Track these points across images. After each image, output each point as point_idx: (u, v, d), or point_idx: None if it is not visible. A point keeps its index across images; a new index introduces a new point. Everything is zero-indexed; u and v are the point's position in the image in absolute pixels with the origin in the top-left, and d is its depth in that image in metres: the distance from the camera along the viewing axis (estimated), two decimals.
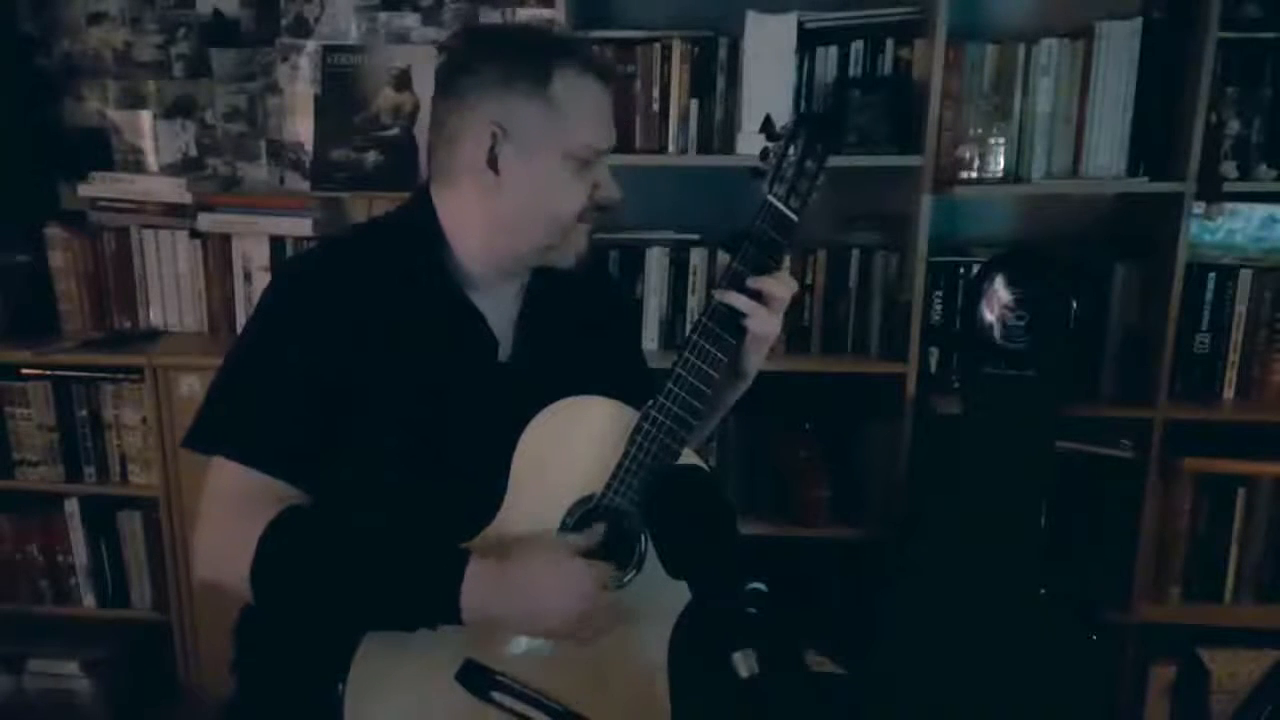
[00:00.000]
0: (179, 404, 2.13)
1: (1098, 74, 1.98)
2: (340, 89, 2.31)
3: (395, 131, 2.30)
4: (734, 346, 1.16)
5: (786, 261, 1.41)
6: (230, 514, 1.10)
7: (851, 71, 2.06)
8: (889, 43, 2.05)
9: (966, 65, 2.02)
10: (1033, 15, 2.14)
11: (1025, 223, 2.24)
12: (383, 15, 2.32)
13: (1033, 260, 1.91)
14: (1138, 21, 1.96)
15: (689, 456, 1.15)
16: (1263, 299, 2.06)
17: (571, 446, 1.13)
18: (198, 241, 2.30)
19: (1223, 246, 2.08)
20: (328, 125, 2.33)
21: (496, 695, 1.08)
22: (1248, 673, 2.05)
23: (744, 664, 0.90)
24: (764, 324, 1.16)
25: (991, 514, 1.88)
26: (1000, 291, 1.88)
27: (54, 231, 2.31)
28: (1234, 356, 2.08)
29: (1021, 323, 1.87)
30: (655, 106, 2.09)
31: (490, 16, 2.29)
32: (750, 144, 1.98)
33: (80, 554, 2.30)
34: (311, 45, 2.33)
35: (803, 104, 2.06)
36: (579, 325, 1.25)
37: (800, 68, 2.04)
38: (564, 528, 1.13)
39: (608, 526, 1.12)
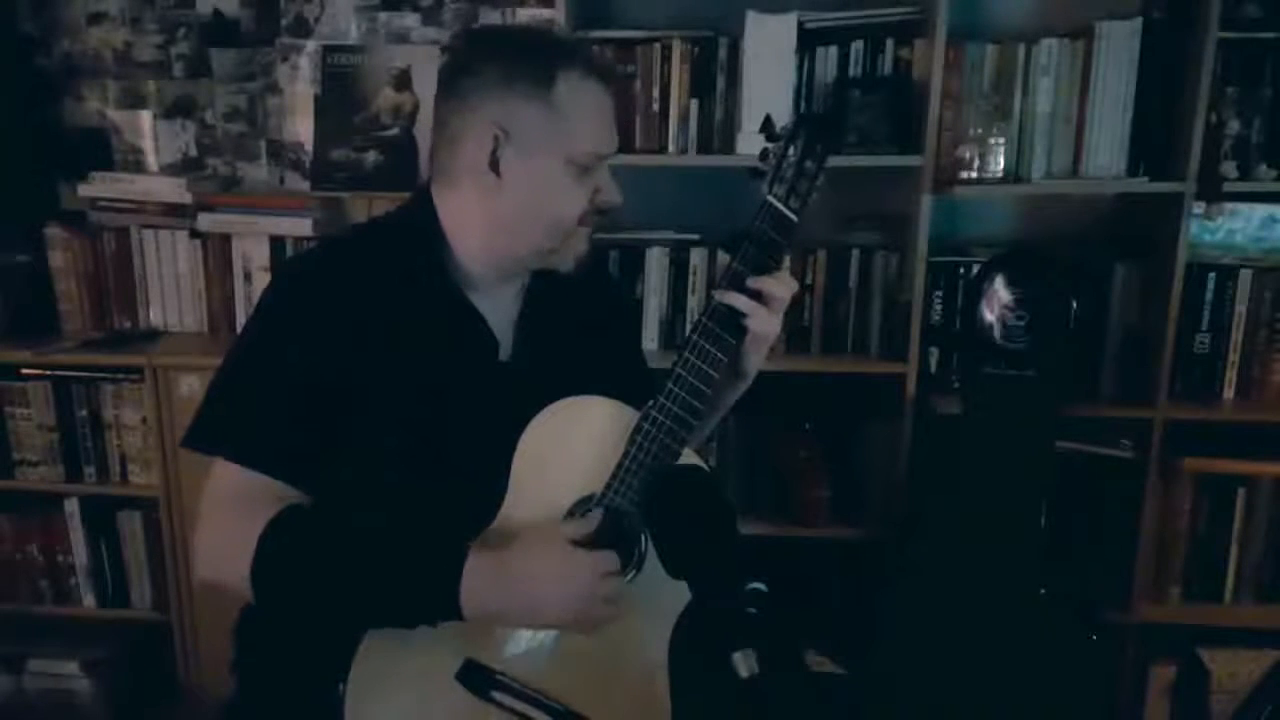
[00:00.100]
0: (179, 404, 2.13)
1: (1098, 74, 1.98)
2: (340, 89, 2.31)
3: (395, 131, 2.30)
4: (734, 346, 1.16)
5: (786, 261, 1.41)
6: (230, 514, 1.10)
7: (851, 71, 2.06)
8: (889, 43, 2.05)
9: (966, 65, 2.02)
10: (1033, 15, 2.14)
11: (1025, 223, 2.24)
12: (383, 15, 2.32)
13: (1033, 260, 1.91)
14: (1138, 21, 1.96)
15: (689, 456, 1.15)
16: (1263, 299, 2.06)
17: (572, 446, 1.14)
18: (198, 241, 2.30)
19: (1223, 246, 2.08)
20: (328, 125, 2.33)
21: (497, 695, 1.08)
22: (1248, 673, 2.05)
23: (744, 664, 0.90)
24: (764, 324, 1.16)
25: (991, 514, 1.88)
26: (1000, 291, 1.88)
27: (54, 231, 2.31)
28: (1234, 356, 2.08)
29: (1021, 323, 1.87)
30: (655, 106, 2.09)
31: (490, 16, 2.29)
32: (750, 144, 1.98)
33: (80, 554, 2.30)
34: (311, 45, 2.34)
35: (803, 104, 2.06)
36: (579, 325, 1.25)
37: (800, 68, 2.04)
38: None
39: (609, 523, 1.12)
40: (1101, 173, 2.02)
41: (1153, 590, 2.12)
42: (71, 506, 2.28)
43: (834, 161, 1.18)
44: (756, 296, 1.15)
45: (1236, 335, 2.07)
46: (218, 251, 2.30)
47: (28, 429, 2.24)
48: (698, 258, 2.16)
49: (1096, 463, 2.06)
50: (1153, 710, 2.17)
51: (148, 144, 2.42)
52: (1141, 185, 2.00)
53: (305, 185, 2.37)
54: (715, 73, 2.08)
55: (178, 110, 2.40)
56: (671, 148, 2.10)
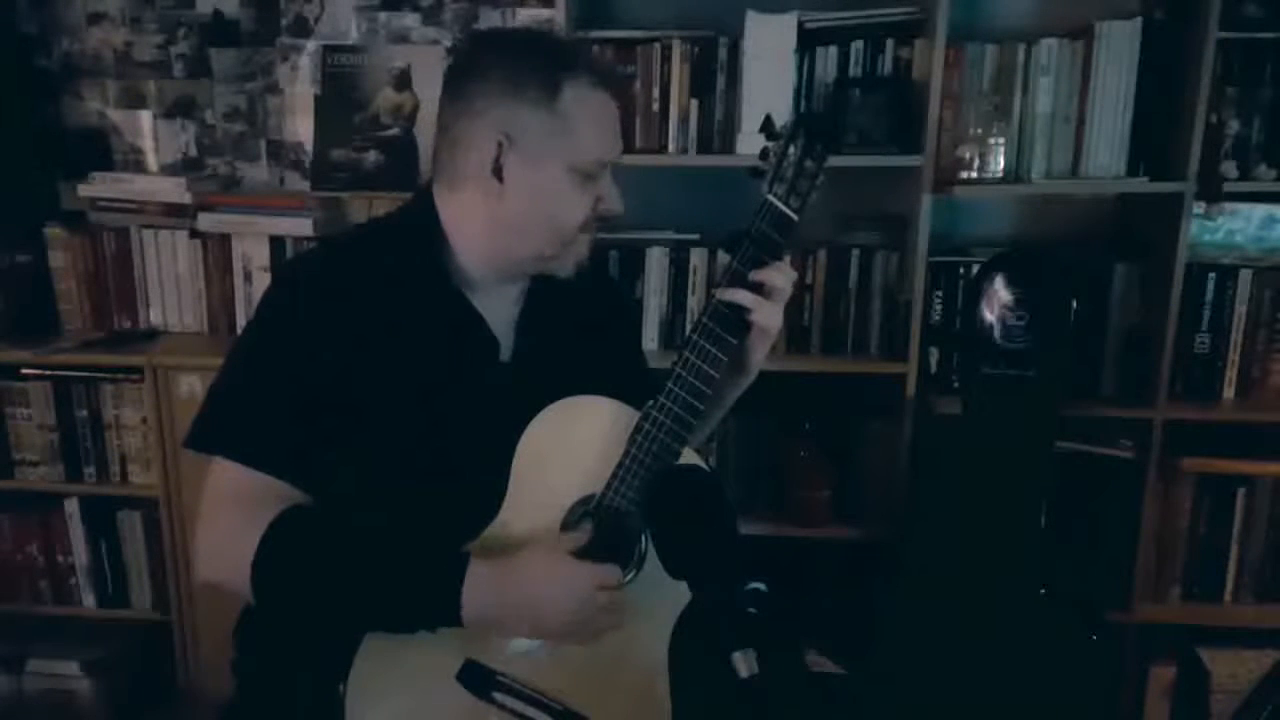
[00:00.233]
0: (179, 404, 2.13)
1: (1098, 74, 1.98)
2: (340, 89, 2.32)
3: (395, 131, 2.30)
4: (734, 346, 1.16)
5: (786, 259, 1.41)
6: (231, 514, 1.10)
7: (851, 71, 2.06)
8: (889, 43, 2.05)
9: (966, 65, 2.02)
10: (1033, 15, 2.14)
11: (1025, 223, 2.24)
12: (383, 15, 2.32)
13: (1033, 260, 1.91)
14: (1138, 21, 1.96)
15: (689, 456, 1.15)
16: (1263, 299, 2.06)
17: (572, 446, 1.14)
18: (198, 241, 2.30)
19: (1223, 246, 2.08)
20: (328, 125, 2.33)
21: (497, 695, 1.08)
22: (1248, 673, 2.06)
23: (744, 664, 0.90)
24: (768, 316, 1.16)
25: (991, 514, 1.88)
26: (1000, 291, 1.88)
27: (54, 231, 2.31)
28: (1234, 356, 2.08)
29: (1021, 323, 1.87)
30: (655, 106, 2.09)
31: (490, 16, 2.29)
32: (750, 144, 1.98)
33: (80, 554, 2.30)
34: (311, 45, 2.34)
35: (803, 104, 2.06)
36: (579, 326, 1.25)
37: (800, 68, 2.04)
38: (565, 528, 1.13)
39: (608, 527, 1.12)
40: (1101, 173, 2.02)
41: (1153, 590, 2.12)
42: (71, 506, 2.28)
43: (834, 161, 1.18)
44: (758, 290, 1.15)
45: (1236, 335, 2.07)
46: (218, 251, 2.30)
47: (28, 429, 2.24)
48: (698, 258, 2.16)
49: (1096, 463, 2.05)
50: (1153, 710, 2.17)
51: (148, 144, 2.42)
52: (1141, 185, 2.00)
53: (305, 185, 2.37)
54: (715, 73, 2.08)
55: (178, 110, 2.40)
56: (671, 148, 2.10)
